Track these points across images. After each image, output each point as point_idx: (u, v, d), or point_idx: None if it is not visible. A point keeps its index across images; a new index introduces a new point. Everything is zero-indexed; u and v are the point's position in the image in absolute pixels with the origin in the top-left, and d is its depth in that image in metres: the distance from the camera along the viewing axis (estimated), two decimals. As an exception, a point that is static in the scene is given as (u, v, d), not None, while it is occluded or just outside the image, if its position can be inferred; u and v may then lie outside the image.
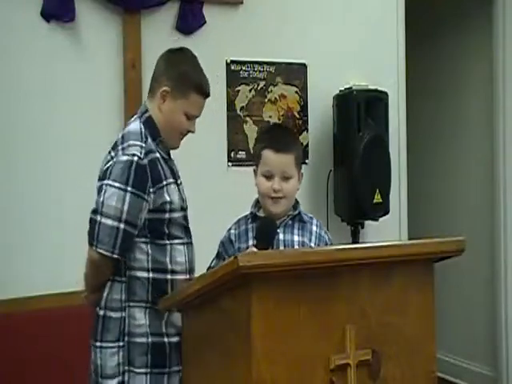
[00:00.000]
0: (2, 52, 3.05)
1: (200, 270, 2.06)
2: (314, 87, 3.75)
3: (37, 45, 3.12)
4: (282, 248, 2.13)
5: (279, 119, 3.67)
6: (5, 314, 2.85)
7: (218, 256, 2.22)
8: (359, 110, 3.57)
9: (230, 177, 3.49)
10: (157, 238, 2.09)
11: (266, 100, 3.65)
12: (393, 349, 1.76)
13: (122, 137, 2.12)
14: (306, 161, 3.76)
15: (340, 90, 3.71)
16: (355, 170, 3.54)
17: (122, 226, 1.99)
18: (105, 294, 2.10)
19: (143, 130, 2.12)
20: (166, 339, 2.09)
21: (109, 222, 1.98)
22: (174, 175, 2.20)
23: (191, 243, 2.21)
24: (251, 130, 3.58)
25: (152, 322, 2.08)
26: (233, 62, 3.56)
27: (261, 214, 2.20)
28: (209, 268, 2.17)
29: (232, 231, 2.21)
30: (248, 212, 2.25)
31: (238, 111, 3.57)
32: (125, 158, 2.03)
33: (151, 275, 2.07)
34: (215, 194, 3.40)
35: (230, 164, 3.53)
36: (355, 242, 3.65)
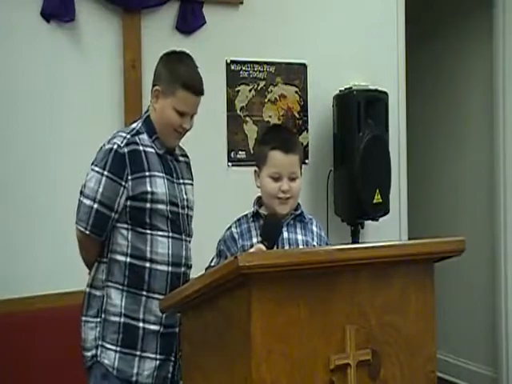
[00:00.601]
0: (1, 52, 3.05)
1: (200, 269, 2.06)
2: (314, 87, 3.76)
3: (37, 45, 3.12)
4: (286, 247, 2.16)
5: (279, 119, 3.68)
6: (5, 314, 2.85)
7: (220, 255, 2.22)
8: (359, 109, 3.57)
9: (230, 177, 3.49)
10: (137, 226, 2.19)
11: (266, 100, 3.65)
12: (393, 349, 1.76)
13: (116, 132, 2.28)
14: (306, 161, 3.76)
15: (340, 90, 3.72)
16: (355, 170, 3.54)
17: (95, 205, 2.16)
18: (92, 274, 2.25)
19: (138, 127, 2.26)
20: (140, 324, 2.19)
21: (87, 201, 2.18)
22: (170, 172, 2.27)
23: (181, 239, 2.26)
24: (251, 130, 3.58)
25: (128, 305, 2.19)
26: (233, 62, 3.56)
27: (263, 211, 2.21)
28: (208, 268, 2.17)
29: (233, 229, 2.21)
30: (247, 211, 2.25)
31: (238, 111, 3.57)
32: (107, 146, 2.19)
33: (129, 260, 2.19)
34: (215, 193, 3.40)
35: (229, 164, 3.53)
36: (355, 242, 3.65)
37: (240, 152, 3.55)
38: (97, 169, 2.17)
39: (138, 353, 2.19)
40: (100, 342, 2.19)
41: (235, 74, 3.57)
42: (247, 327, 1.56)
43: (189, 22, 3.41)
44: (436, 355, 1.88)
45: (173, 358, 2.25)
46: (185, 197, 2.31)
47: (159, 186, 2.20)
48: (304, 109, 3.76)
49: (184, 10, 3.40)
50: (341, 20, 3.85)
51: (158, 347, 2.21)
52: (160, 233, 2.20)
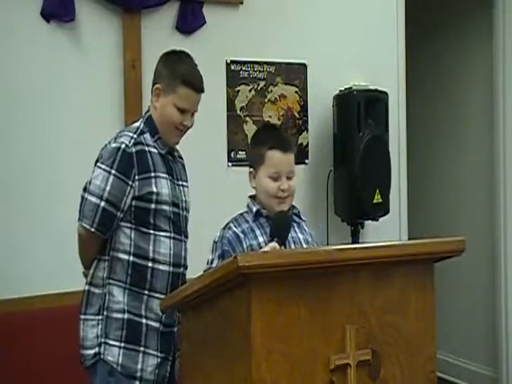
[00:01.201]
0: (1, 52, 3.05)
1: (200, 269, 2.06)
2: (314, 87, 3.76)
3: (37, 45, 3.12)
4: (292, 245, 2.18)
5: (279, 119, 3.68)
6: (5, 314, 2.85)
7: (224, 256, 2.16)
8: (359, 109, 3.57)
9: (230, 177, 3.49)
10: (141, 226, 2.19)
11: (266, 100, 3.65)
12: (393, 349, 1.76)
13: (120, 131, 2.29)
14: (306, 161, 3.76)
15: (340, 90, 3.72)
16: (355, 170, 3.54)
17: (102, 203, 2.14)
18: (91, 271, 2.24)
19: (141, 126, 2.26)
20: (144, 320, 2.20)
21: (92, 198, 2.16)
22: (171, 172, 2.29)
23: (181, 240, 2.28)
24: (251, 130, 3.58)
25: (130, 302, 2.19)
26: (233, 62, 3.56)
27: (264, 211, 2.21)
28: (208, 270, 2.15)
29: (236, 229, 2.19)
30: (242, 211, 2.25)
31: (238, 111, 3.57)
32: (114, 144, 2.18)
33: (131, 258, 2.19)
34: (215, 193, 3.40)
35: (229, 164, 3.53)
36: (355, 242, 3.66)
37: (240, 152, 3.55)
38: (103, 167, 2.17)
39: (142, 349, 2.20)
40: (103, 340, 2.18)
41: (235, 74, 3.57)
42: (247, 327, 1.56)
43: (189, 22, 3.41)
44: (436, 355, 1.88)
45: (170, 358, 2.26)
46: (184, 198, 2.33)
47: (164, 186, 2.21)
48: (304, 109, 3.76)
49: (184, 10, 3.40)
50: (341, 20, 3.85)
51: (158, 345, 2.22)
52: (163, 233, 2.22)
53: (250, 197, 2.29)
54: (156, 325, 2.21)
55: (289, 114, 3.71)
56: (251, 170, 2.24)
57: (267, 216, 2.20)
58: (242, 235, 2.17)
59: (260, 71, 3.62)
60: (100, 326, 2.20)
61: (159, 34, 3.33)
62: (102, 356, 2.18)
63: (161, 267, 2.21)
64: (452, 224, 4.75)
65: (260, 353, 1.56)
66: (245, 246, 2.15)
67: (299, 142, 3.74)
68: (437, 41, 4.96)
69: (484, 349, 4.52)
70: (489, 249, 4.41)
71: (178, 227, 2.27)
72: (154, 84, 2.28)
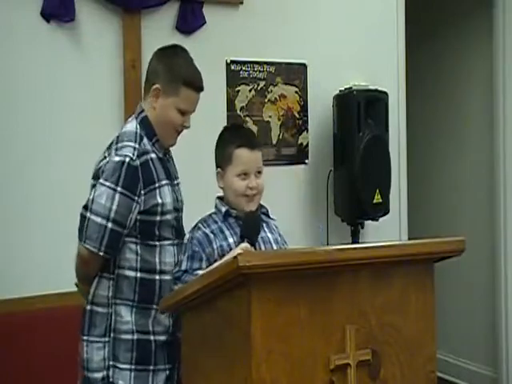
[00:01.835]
0: (1, 52, 3.05)
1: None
2: (314, 87, 3.76)
3: (37, 45, 3.11)
4: (262, 245, 2.16)
5: (279, 119, 3.68)
6: (5, 314, 2.85)
7: (193, 257, 2.12)
8: (359, 109, 3.57)
9: (230, 177, 3.49)
10: (147, 239, 2.11)
11: (266, 100, 3.65)
12: (393, 349, 1.76)
13: (117, 137, 2.15)
14: (306, 161, 3.76)
15: (340, 90, 3.72)
16: (355, 170, 3.54)
17: (109, 225, 2.02)
18: (92, 290, 2.14)
19: (138, 131, 2.15)
20: (152, 337, 2.13)
21: (98, 219, 2.02)
22: (170, 176, 2.22)
23: (181, 243, 2.20)
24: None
25: (138, 320, 2.11)
26: (233, 62, 3.56)
27: (233, 211, 2.19)
28: (186, 270, 2.10)
29: (204, 230, 2.16)
30: (210, 212, 2.24)
31: (238, 111, 3.57)
32: (117, 158, 2.05)
33: (139, 275, 2.10)
34: (215, 194, 3.39)
35: (230, 164, 3.53)
36: (355, 242, 3.66)
37: (240, 152, 3.55)
38: (108, 184, 2.03)
39: (152, 367, 2.13)
40: (111, 363, 2.10)
41: (235, 74, 3.57)
42: (247, 327, 1.56)
43: (189, 22, 3.41)
44: (436, 355, 1.88)
45: (177, 365, 2.19)
46: (180, 198, 2.27)
47: (167, 195, 2.14)
48: (304, 109, 3.76)
49: (184, 10, 3.40)
50: (341, 20, 3.85)
51: (166, 357, 2.15)
52: (167, 242, 2.16)
53: (218, 198, 2.27)
54: (163, 338, 2.14)
55: (289, 114, 3.71)
56: (219, 170, 2.23)
57: (236, 216, 2.19)
58: (211, 235, 2.14)
59: (260, 71, 3.62)
60: (107, 349, 2.10)
61: (159, 34, 3.33)
62: (111, 379, 2.10)
63: (167, 277, 2.14)
64: (452, 224, 4.75)
65: (260, 353, 1.56)
66: (215, 247, 2.12)
67: (299, 142, 3.74)
68: (437, 41, 4.96)
69: (484, 349, 4.52)
70: (489, 249, 4.41)
71: (179, 231, 2.22)
72: (150, 83, 2.17)
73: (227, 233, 2.16)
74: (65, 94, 3.17)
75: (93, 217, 2.03)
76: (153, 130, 2.17)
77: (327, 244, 3.63)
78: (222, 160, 2.22)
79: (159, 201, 2.10)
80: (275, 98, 3.68)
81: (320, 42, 3.77)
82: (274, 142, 3.66)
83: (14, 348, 2.82)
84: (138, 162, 2.05)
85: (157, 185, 2.11)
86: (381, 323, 1.74)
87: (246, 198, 2.17)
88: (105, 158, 2.10)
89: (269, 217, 2.30)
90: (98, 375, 2.10)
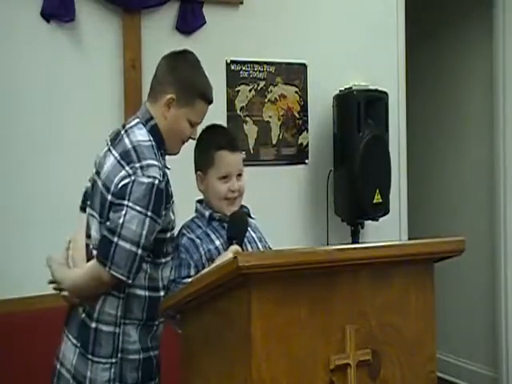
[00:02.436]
0: (1, 52, 3.05)
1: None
2: (314, 87, 3.76)
3: (37, 45, 3.12)
4: (248, 245, 2.16)
5: (279, 119, 3.68)
6: (5, 314, 2.85)
7: (181, 264, 2.11)
8: (359, 109, 3.57)
9: (230, 177, 3.49)
10: (156, 257, 2.07)
11: (266, 100, 3.65)
12: (393, 349, 1.76)
13: (135, 150, 2.02)
14: (306, 161, 3.76)
15: (340, 90, 3.72)
16: (355, 170, 3.54)
17: (139, 251, 1.93)
18: (97, 307, 2.04)
19: (152, 142, 2.06)
20: (152, 353, 2.09)
21: (127, 245, 1.92)
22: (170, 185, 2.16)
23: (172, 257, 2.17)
24: (251, 130, 3.58)
25: (142, 337, 2.07)
26: (233, 62, 3.56)
27: (217, 214, 2.18)
28: (174, 280, 2.10)
29: (190, 236, 2.14)
30: (192, 216, 2.22)
31: (238, 111, 3.57)
32: (145, 179, 1.95)
33: (147, 293, 2.06)
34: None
35: (229, 164, 3.53)
36: (355, 242, 3.66)
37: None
38: (139, 209, 1.92)
39: (153, 382, 2.11)
40: None
41: (235, 74, 3.57)
42: (247, 327, 1.56)
43: (189, 22, 3.41)
44: (436, 355, 1.88)
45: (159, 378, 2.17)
46: None
47: (174, 210, 2.09)
48: (304, 109, 3.76)
49: (184, 10, 3.40)
50: (341, 20, 3.85)
51: (158, 371, 2.14)
52: (168, 258, 2.12)
53: (198, 201, 2.25)
54: (157, 352, 2.12)
55: (289, 114, 3.71)
56: (199, 173, 2.21)
57: (220, 219, 2.18)
58: (197, 240, 2.13)
59: (260, 71, 3.62)
60: (113, 370, 2.03)
61: (159, 34, 3.33)
62: None
63: (164, 292, 2.11)
64: (452, 224, 4.75)
65: (260, 353, 1.56)
66: (202, 252, 2.11)
67: (299, 142, 3.75)
68: (437, 41, 4.96)
69: (484, 349, 4.52)
70: (489, 249, 4.42)
71: (176, 244, 2.18)
72: (162, 90, 2.09)
73: (213, 236, 2.15)
74: (65, 93, 3.17)
75: (121, 242, 1.92)
76: (162, 140, 2.10)
77: (327, 244, 3.63)
78: (203, 163, 2.19)
79: (172, 217, 2.06)
80: (275, 98, 3.68)
81: (320, 42, 3.77)
82: (274, 142, 3.67)
83: (14, 348, 2.82)
84: (163, 185, 1.98)
85: (171, 203, 2.06)
86: (381, 323, 1.74)
87: (227, 201, 2.16)
88: (129, 175, 1.97)
89: (250, 216, 2.28)
90: None
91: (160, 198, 1.96)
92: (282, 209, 3.64)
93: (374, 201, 3.58)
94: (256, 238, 2.22)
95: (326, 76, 3.75)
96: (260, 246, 2.21)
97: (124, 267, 1.92)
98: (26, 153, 3.09)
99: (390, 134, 3.74)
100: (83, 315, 2.07)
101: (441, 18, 4.94)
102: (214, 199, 2.18)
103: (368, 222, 3.73)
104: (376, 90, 3.69)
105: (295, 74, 3.72)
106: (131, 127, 2.11)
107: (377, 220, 3.69)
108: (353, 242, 3.63)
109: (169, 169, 2.10)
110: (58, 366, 2.14)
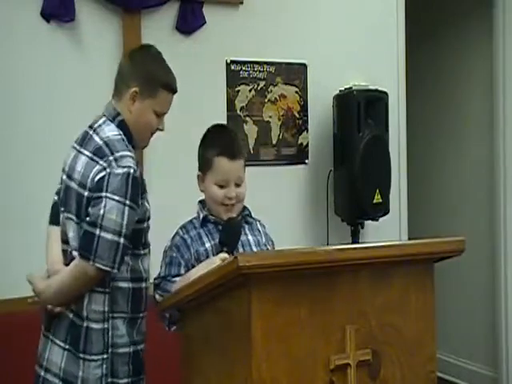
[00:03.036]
0: (1, 52, 3.05)
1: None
2: (314, 87, 3.76)
3: (37, 45, 3.12)
4: (241, 249, 2.13)
5: (279, 119, 3.68)
6: (5, 314, 2.85)
7: (171, 262, 2.12)
8: (359, 109, 3.57)
9: (230, 177, 3.49)
10: (136, 248, 2.08)
11: (266, 100, 3.65)
12: (393, 349, 1.76)
13: (107, 145, 2.06)
14: (306, 161, 3.76)
15: (340, 90, 3.72)
16: (355, 170, 3.54)
17: (122, 240, 1.95)
18: (84, 305, 2.03)
19: (122, 136, 2.09)
20: (139, 347, 2.10)
21: (109, 236, 1.94)
22: None
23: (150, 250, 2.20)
24: (251, 130, 3.58)
25: (128, 331, 2.08)
26: (233, 62, 3.56)
27: (212, 217, 2.17)
28: (164, 277, 2.11)
29: (184, 236, 2.15)
30: (192, 217, 2.22)
31: (238, 111, 3.57)
32: (120, 170, 1.98)
33: (131, 285, 2.08)
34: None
35: (229, 164, 3.53)
36: (355, 242, 3.66)
37: (240, 152, 3.55)
38: (117, 198, 1.95)
39: (142, 376, 2.12)
40: (110, 380, 2.03)
41: (235, 74, 3.57)
42: (247, 327, 1.56)
43: (189, 22, 3.41)
44: (436, 355, 1.88)
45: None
46: None
47: (148, 200, 2.12)
48: (304, 109, 3.76)
49: (184, 9, 3.40)
50: (341, 20, 3.85)
51: (143, 365, 2.14)
52: (147, 249, 2.14)
53: (200, 202, 2.25)
54: (143, 346, 2.13)
55: (289, 114, 3.71)
56: (199, 173, 2.19)
57: (215, 222, 2.17)
58: (189, 240, 2.14)
59: (260, 71, 3.62)
60: (105, 366, 2.03)
61: (159, 34, 3.33)
62: None
63: (148, 284, 2.14)
64: (452, 224, 4.75)
65: (260, 353, 1.56)
66: (192, 252, 2.12)
67: (299, 142, 3.74)
68: (437, 41, 4.96)
69: (484, 349, 4.52)
70: (489, 249, 4.42)
71: (148, 238, 2.19)
72: (125, 85, 2.13)
73: (204, 238, 2.14)
74: (65, 93, 3.17)
75: (103, 234, 1.94)
76: (130, 135, 2.12)
77: (327, 244, 3.63)
78: (202, 164, 2.18)
79: (148, 207, 2.10)
80: (275, 98, 3.68)
81: (320, 42, 3.77)
82: (274, 142, 3.66)
83: (14, 348, 2.82)
84: (138, 173, 2.02)
85: (145, 193, 2.10)
86: (381, 323, 1.74)
87: (224, 206, 2.14)
88: (104, 169, 2.00)
89: (252, 217, 2.26)
90: None
91: (136, 186, 2.00)
92: (282, 209, 3.64)
93: (374, 201, 3.58)
94: (252, 242, 2.19)
95: (326, 76, 3.75)
96: (254, 250, 2.18)
97: (108, 258, 1.94)
98: (26, 153, 3.09)
99: (390, 133, 3.74)
100: (71, 316, 2.06)
101: (441, 18, 4.94)
102: (211, 202, 2.17)
103: (368, 222, 3.73)
104: (376, 90, 3.69)
105: (295, 74, 3.72)
106: (99, 125, 2.14)
107: (377, 220, 3.69)
108: (353, 242, 3.63)
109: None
110: (43, 373, 2.11)
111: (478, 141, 4.60)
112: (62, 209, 2.17)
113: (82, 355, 2.02)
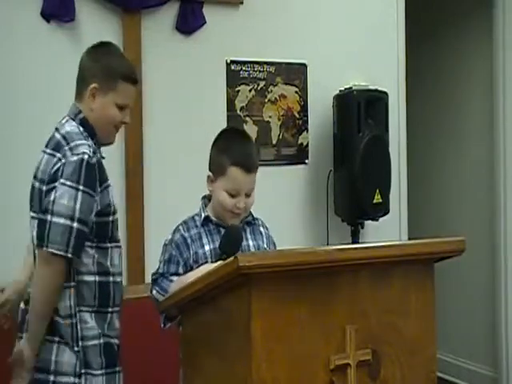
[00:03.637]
0: (1, 52, 3.05)
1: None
2: (314, 87, 3.76)
3: (37, 45, 3.12)
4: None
5: (279, 119, 3.68)
6: (5, 314, 2.84)
7: (170, 260, 2.12)
8: (359, 109, 3.57)
9: (230, 177, 3.49)
10: (100, 242, 2.08)
11: (266, 100, 3.65)
12: (393, 349, 1.76)
13: (64, 138, 2.07)
14: (306, 161, 3.76)
15: (340, 90, 3.72)
16: (355, 170, 3.54)
17: (75, 224, 1.95)
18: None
19: (82, 131, 2.10)
20: (112, 340, 2.11)
21: (61, 220, 1.94)
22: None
23: (121, 246, 2.20)
24: (251, 130, 3.58)
25: (98, 324, 2.08)
26: (233, 62, 3.56)
27: (214, 218, 2.16)
28: (162, 274, 2.11)
29: (184, 234, 2.14)
30: (194, 214, 2.21)
31: (238, 111, 3.57)
32: (75, 157, 1.99)
33: (97, 279, 2.07)
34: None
35: (230, 164, 3.53)
36: (355, 242, 3.66)
37: (240, 152, 3.55)
38: (69, 183, 1.96)
39: (117, 368, 2.13)
40: (83, 371, 2.04)
41: (235, 74, 3.57)
42: (247, 327, 1.56)
43: (189, 22, 3.41)
44: (436, 355, 1.88)
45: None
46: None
47: (113, 194, 2.12)
48: (304, 109, 3.76)
49: (184, 10, 3.40)
50: (341, 20, 3.85)
51: (118, 360, 2.15)
52: (114, 244, 2.13)
53: (204, 197, 2.23)
54: (117, 341, 2.14)
55: (289, 114, 3.71)
56: (210, 174, 2.14)
57: (216, 223, 2.16)
58: (189, 240, 2.12)
59: (260, 71, 3.62)
60: (78, 357, 2.04)
61: (159, 34, 3.33)
62: None
63: (118, 279, 2.13)
64: (452, 224, 4.75)
65: (260, 353, 1.56)
66: (191, 253, 2.11)
67: (299, 142, 3.75)
68: (437, 41, 4.96)
69: (484, 349, 4.52)
70: (489, 249, 4.42)
71: (118, 234, 2.19)
72: (85, 83, 2.15)
73: (205, 240, 2.13)
74: (65, 94, 3.16)
75: (55, 219, 1.94)
76: (93, 131, 2.13)
77: (327, 244, 3.63)
78: (215, 168, 2.13)
79: (111, 200, 2.09)
80: (275, 98, 3.68)
81: (320, 42, 3.77)
82: (274, 142, 3.67)
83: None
84: (94, 160, 2.01)
85: (107, 183, 2.08)
86: (381, 323, 1.74)
87: (231, 213, 2.12)
88: (59, 159, 2.02)
89: (254, 218, 2.24)
90: (69, 380, 2.04)
91: (91, 172, 1.99)
92: (282, 209, 3.64)
93: (374, 201, 3.59)
94: (252, 247, 2.18)
95: (326, 76, 3.75)
96: None
97: (61, 242, 1.93)
98: (26, 153, 3.08)
99: (390, 134, 3.74)
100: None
101: (441, 18, 4.94)
102: (218, 206, 2.14)
103: (368, 222, 3.73)
104: (376, 90, 3.69)
105: (295, 73, 3.72)
106: (62, 125, 2.15)
107: (377, 220, 3.69)
108: (353, 242, 3.63)
109: (104, 158, 2.13)
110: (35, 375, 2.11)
111: (478, 141, 4.60)
112: (29, 209, 2.15)
113: (56, 339, 2.04)
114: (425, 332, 1.84)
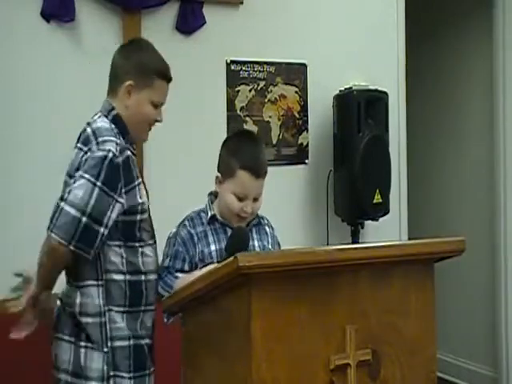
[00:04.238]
0: (1, 52, 3.05)
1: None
2: (314, 87, 3.76)
3: (37, 45, 3.12)
4: None
5: (279, 119, 3.68)
6: (5, 314, 2.85)
7: (176, 256, 2.12)
8: (359, 109, 3.57)
9: (230, 177, 3.49)
10: (129, 241, 2.06)
11: (266, 100, 3.65)
12: (393, 349, 1.76)
13: (94, 132, 2.06)
14: (306, 161, 3.76)
15: (340, 90, 3.72)
16: (355, 170, 3.54)
17: (84, 219, 1.92)
18: (77, 300, 2.05)
19: (113, 127, 2.08)
20: (142, 341, 2.09)
21: (71, 211, 1.93)
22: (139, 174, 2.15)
23: (155, 243, 2.18)
24: (251, 130, 3.58)
25: (130, 325, 2.06)
26: (233, 62, 3.56)
27: (220, 218, 2.16)
28: (167, 267, 2.12)
29: (190, 230, 2.13)
30: (199, 208, 2.20)
31: (238, 111, 3.57)
32: (100, 153, 1.98)
33: (127, 277, 2.06)
34: (215, 194, 3.39)
35: (230, 164, 3.53)
36: (355, 242, 3.66)
37: (240, 152, 3.54)
38: (87, 176, 1.95)
39: (147, 371, 2.11)
40: (112, 373, 2.03)
41: (235, 74, 3.57)
42: (247, 327, 1.56)
43: (189, 22, 3.41)
44: (436, 355, 1.88)
45: (154, 368, 2.16)
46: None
47: (143, 193, 2.09)
48: (304, 109, 3.76)
49: (184, 10, 3.40)
50: (341, 20, 3.85)
51: (150, 361, 2.13)
52: (146, 243, 2.12)
53: (210, 194, 2.22)
54: (149, 341, 2.12)
55: (289, 114, 3.71)
56: (218, 175, 2.15)
57: (222, 223, 2.16)
58: (196, 237, 2.12)
59: (260, 71, 3.62)
60: (107, 359, 2.02)
61: (159, 34, 3.32)
62: None
63: (150, 277, 2.11)
64: (452, 224, 4.75)
65: (260, 353, 1.56)
66: (197, 250, 2.11)
67: (299, 141, 3.74)
68: (437, 41, 4.96)
69: (484, 349, 4.52)
70: (489, 249, 4.42)
71: (153, 231, 2.17)
72: (119, 81, 2.12)
73: (210, 239, 2.13)
74: (65, 93, 3.17)
75: (66, 207, 1.93)
76: (126, 128, 2.11)
77: (327, 244, 3.63)
78: (224, 169, 2.14)
79: (139, 200, 2.05)
80: (275, 98, 3.68)
81: (320, 42, 3.77)
82: (274, 142, 3.67)
83: (14, 348, 2.82)
84: (120, 159, 1.98)
85: (136, 183, 2.04)
86: (381, 323, 1.74)
87: (237, 217, 2.12)
88: (85, 153, 2.02)
89: (260, 218, 2.25)
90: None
91: (113, 171, 1.96)
92: (282, 209, 3.63)
93: (374, 201, 3.59)
94: (257, 247, 2.18)
95: (326, 76, 3.75)
96: None
97: (66, 232, 1.92)
98: (26, 153, 3.08)
99: (390, 134, 3.74)
100: (69, 310, 2.07)
101: (441, 18, 4.93)
102: (224, 208, 2.14)
103: (368, 222, 3.73)
104: (376, 90, 3.69)
105: (295, 73, 3.72)
106: (94, 120, 2.14)
107: (377, 220, 3.69)
108: (353, 242, 3.63)
109: (135, 154, 2.11)
110: (56, 374, 2.13)
111: (478, 141, 4.60)
112: None
113: (83, 343, 2.03)
114: (425, 332, 1.84)
